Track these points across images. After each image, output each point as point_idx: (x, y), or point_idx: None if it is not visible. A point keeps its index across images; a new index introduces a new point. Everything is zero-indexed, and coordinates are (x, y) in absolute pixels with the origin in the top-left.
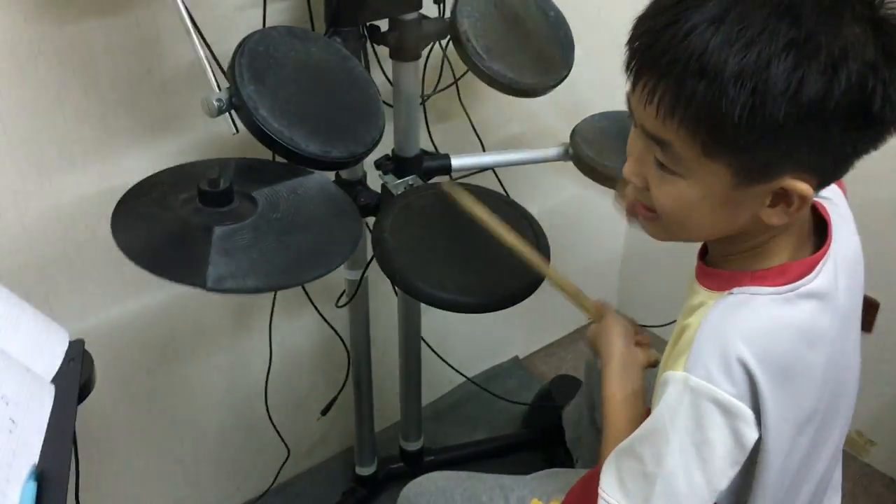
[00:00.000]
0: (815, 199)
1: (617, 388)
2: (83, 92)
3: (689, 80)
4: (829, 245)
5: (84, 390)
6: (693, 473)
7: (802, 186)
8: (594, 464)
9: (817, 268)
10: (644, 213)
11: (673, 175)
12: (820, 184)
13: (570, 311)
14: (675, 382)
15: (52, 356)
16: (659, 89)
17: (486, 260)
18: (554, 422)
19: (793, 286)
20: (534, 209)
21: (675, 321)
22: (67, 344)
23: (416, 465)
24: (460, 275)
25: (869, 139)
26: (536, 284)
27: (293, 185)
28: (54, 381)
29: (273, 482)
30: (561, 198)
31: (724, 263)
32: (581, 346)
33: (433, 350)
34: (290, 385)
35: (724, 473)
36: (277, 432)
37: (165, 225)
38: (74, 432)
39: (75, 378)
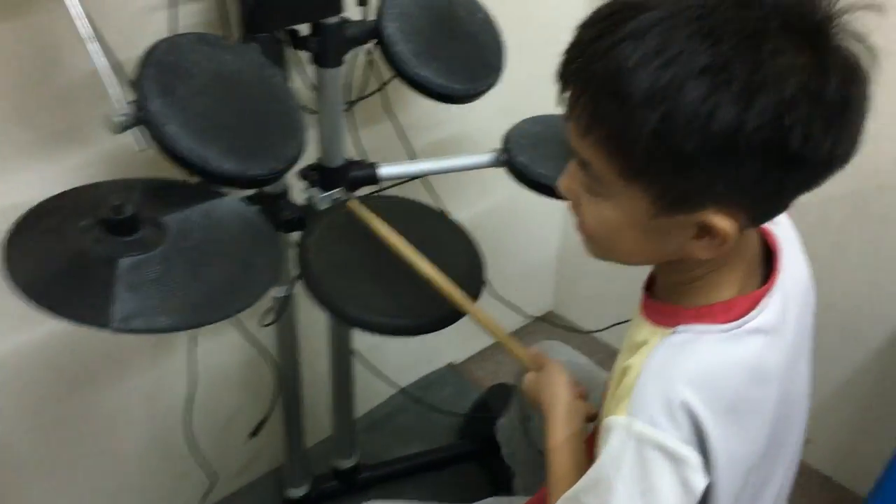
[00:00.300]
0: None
1: (562, 437)
2: None
3: (603, 99)
4: (775, 277)
5: None
6: None
7: (723, 223)
8: (532, 479)
9: (762, 301)
10: (579, 229)
11: (597, 196)
12: (752, 219)
13: (504, 315)
14: (619, 428)
15: None
16: (578, 105)
17: (415, 279)
18: (491, 432)
19: (739, 322)
20: (466, 213)
21: (614, 324)
22: None
23: (350, 482)
24: (392, 295)
25: (799, 180)
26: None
27: (206, 209)
28: None
29: None
30: (494, 200)
31: (669, 295)
32: None
33: (366, 362)
34: (215, 406)
35: None
36: (203, 456)
37: (63, 257)
38: None
39: None
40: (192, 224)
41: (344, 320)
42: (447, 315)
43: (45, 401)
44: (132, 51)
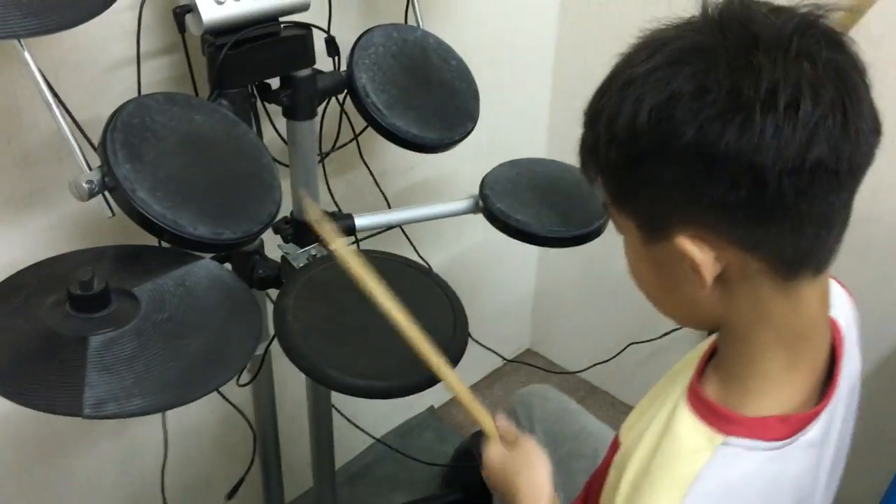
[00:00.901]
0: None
1: None
2: None
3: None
4: (835, 384)
5: None
6: None
7: (689, 248)
8: None
9: (823, 414)
10: None
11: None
12: (743, 248)
13: (483, 356)
14: None
15: None
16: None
17: (398, 337)
18: (476, 480)
19: (789, 441)
20: (441, 257)
21: (594, 364)
22: None
23: None
24: (372, 356)
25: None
26: (454, 362)
27: (180, 276)
28: None
29: None
30: (469, 243)
31: (717, 388)
32: (497, 390)
33: (343, 416)
34: (189, 468)
35: None
36: None
37: (31, 338)
38: None
39: None
40: (165, 293)
41: (324, 384)
42: (430, 377)
43: (10, 472)
44: (98, 109)
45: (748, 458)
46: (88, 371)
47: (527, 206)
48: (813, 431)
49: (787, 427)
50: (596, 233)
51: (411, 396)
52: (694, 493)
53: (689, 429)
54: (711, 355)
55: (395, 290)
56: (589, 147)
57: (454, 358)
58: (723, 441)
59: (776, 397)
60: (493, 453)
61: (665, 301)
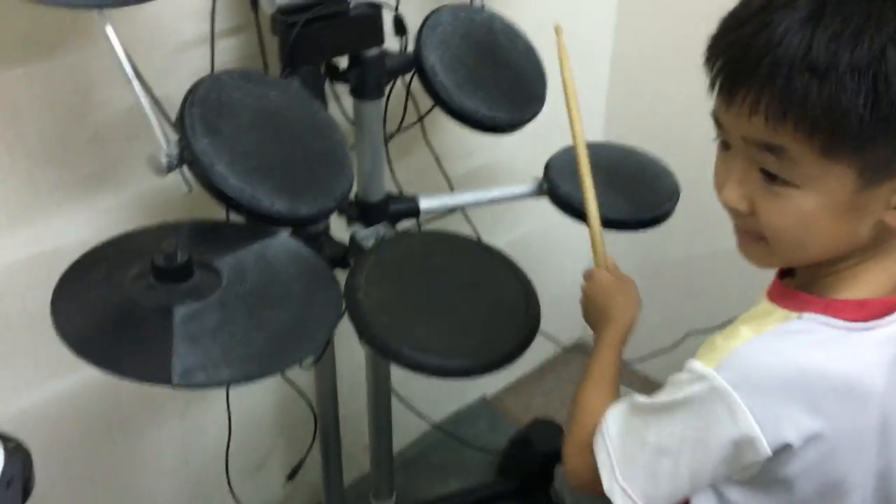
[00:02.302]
0: None
1: (618, 342)
2: (6, 148)
3: (798, 82)
4: None
5: (24, 495)
6: (681, 465)
7: None
8: None
9: None
10: (750, 238)
11: (786, 186)
12: None
13: (536, 345)
14: (702, 377)
15: None
16: (764, 97)
17: (471, 315)
18: (534, 469)
19: (868, 325)
20: (499, 242)
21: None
22: (2, 462)
23: None
24: (446, 334)
25: None
26: (529, 341)
27: (259, 250)
28: None
29: None
30: (526, 229)
31: (804, 286)
32: (550, 380)
33: (402, 400)
34: (249, 449)
35: (710, 475)
36: (239, 502)
37: (116, 309)
38: None
39: (16, 502)
40: (246, 266)
41: (398, 362)
42: (504, 355)
43: (78, 450)
44: (169, 88)
45: (822, 331)
46: (176, 341)
47: (594, 187)
48: (894, 326)
49: (864, 311)
50: (664, 216)
51: (463, 384)
52: (767, 335)
53: (769, 311)
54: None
55: (466, 268)
56: (823, 99)
57: (528, 337)
58: (797, 316)
59: (857, 288)
60: (602, 275)
61: (818, 244)
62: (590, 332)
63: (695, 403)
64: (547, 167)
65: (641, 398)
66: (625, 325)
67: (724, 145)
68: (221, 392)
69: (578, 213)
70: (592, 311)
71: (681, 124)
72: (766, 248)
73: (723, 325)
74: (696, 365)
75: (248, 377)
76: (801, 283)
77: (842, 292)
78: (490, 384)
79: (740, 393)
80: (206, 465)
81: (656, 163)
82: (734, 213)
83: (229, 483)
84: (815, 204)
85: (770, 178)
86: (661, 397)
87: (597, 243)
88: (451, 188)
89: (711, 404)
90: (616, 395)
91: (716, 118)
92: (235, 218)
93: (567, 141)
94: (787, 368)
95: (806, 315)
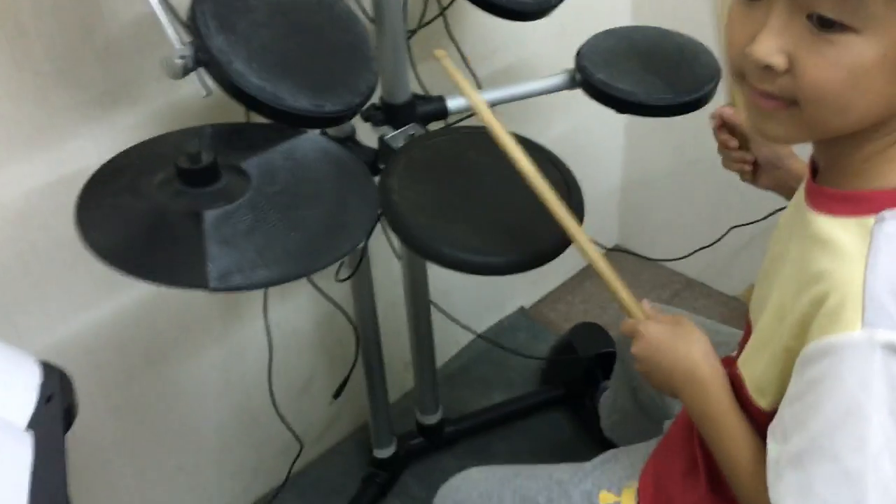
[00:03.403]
0: None
1: (728, 400)
2: (15, 66)
3: None
4: None
5: (67, 420)
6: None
7: None
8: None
9: None
10: (773, 105)
11: (843, 33)
12: None
13: (572, 252)
14: (853, 347)
15: (23, 395)
16: None
17: (511, 210)
18: (579, 374)
19: None
20: None
21: (696, 251)
22: (41, 377)
23: (436, 438)
24: (485, 232)
25: None
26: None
27: (287, 150)
28: (31, 425)
29: (286, 478)
30: (557, 130)
31: (848, 180)
32: (588, 287)
33: (442, 311)
34: (291, 370)
35: None
36: (285, 423)
37: (144, 216)
38: (66, 480)
39: (57, 419)
40: (274, 167)
41: (438, 262)
42: (545, 250)
43: (118, 379)
44: None
45: None
46: (208, 245)
47: (629, 74)
48: None
49: None
50: (705, 98)
51: (501, 296)
52: (877, 253)
53: (838, 230)
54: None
55: (501, 163)
56: None
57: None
58: (875, 219)
59: None
60: (653, 328)
61: (863, 107)
62: (626, 233)
63: (871, 378)
64: (578, 55)
65: (791, 449)
66: (713, 372)
67: None
68: (259, 314)
69: (616, 101)
70: (658, 375)
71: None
72: (794, 117)
73: (766, 218)
74: (831, 342)
75: (286, 277)
76: (838, 180)
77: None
78: (528, 294)
79: None
80: (249, 389)
81: (693, 42)
82: (761, 73)
83: (275, 405)
84: (875, 53)
85: (822, 24)
86: (821, 416)
87: (619, 292)
88: (479, 87)
89: (888, 364)
90: (754, 439)
91: None
92: (257, 120)
93: (590, 30)
94: None
95: (886, 214)
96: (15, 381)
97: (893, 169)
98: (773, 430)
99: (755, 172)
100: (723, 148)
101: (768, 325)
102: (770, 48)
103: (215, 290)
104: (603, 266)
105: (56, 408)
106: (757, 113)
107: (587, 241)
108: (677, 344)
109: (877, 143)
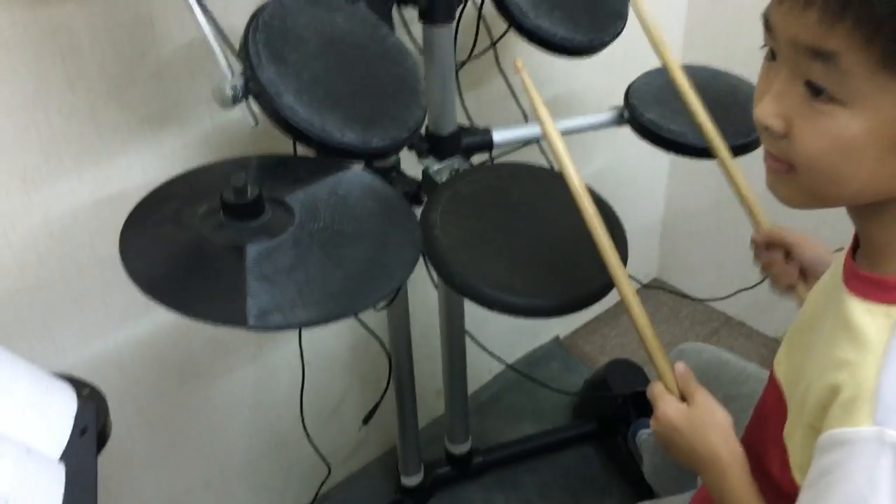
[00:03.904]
0: None
1: (749, 490)
2: (68, 85)
3: None
4: None
5: (100, 442)
6: None
7: None
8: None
9: None
10: (777, 167)
11: (831, 104)
12: None
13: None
14: (863, 443)
15: (58, 427)
16: None
17: (552, 251)
18: (612, 411)
19: None
20: None
21: (738, 291)
22: (76, 409)
23: (465, 468)
24: (527, 272)
25: None
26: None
27: (332, 184)
28: (63, 457)
29: (315, 499)
30: (599, 163)
31: (880, 262)
32: (625, 321)
33: (475, 340)
34: (322, 393)
35: None
36: (314, 446)
37: (186, 247)
38: None
39: (90, 452)
40: (318, 202)
41: (479, 302)
42: (587, 294)
43: (152, 395)
44: (233, 18)
45: None
46: (249, 281)
47: (679, 115)
48: None
49: None
50: (756, 142)
51: (536, 325)
52: (890, 367)
53: (866, 317)
54: (854, 254)
55: (545, 202)
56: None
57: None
58: None
59: None
60: (671, 408)
61: (857, 180)
62: (666, 266)
63: (878, 476)
64: (628, 93)
65: None
66: (732, 461)
67: (772, 55)
68: (294, 335)
69: (665, 141)
70: (677, 454)
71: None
72: (795, 181)
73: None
74: (842, 434)
75: (326, 318)
76: (877, 260)
77: None
78: (564, 325)
79: None
80: (280, 410)
81: (746, 84)
82: (766, 134)
83: (304, 426)
84: (861, 128)
85: (815, 92)
86: (829, 498)
87: (655, 357)
88: (526, 119)
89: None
90: None
91: (766, 18)
92: (303, 152)
93: (648, 66)
94: None
95: None
96: (51, 411)
97: None
98: None
99: (804, 281)
100: (767, 269)
101: (801, 402)
102: (770, 111)
103: (253, 328)
104: (644, 323)
105: (90, 440)
106: (768, 171)
107: (632, 294)
108: (695, 429)
109: (891, 240)
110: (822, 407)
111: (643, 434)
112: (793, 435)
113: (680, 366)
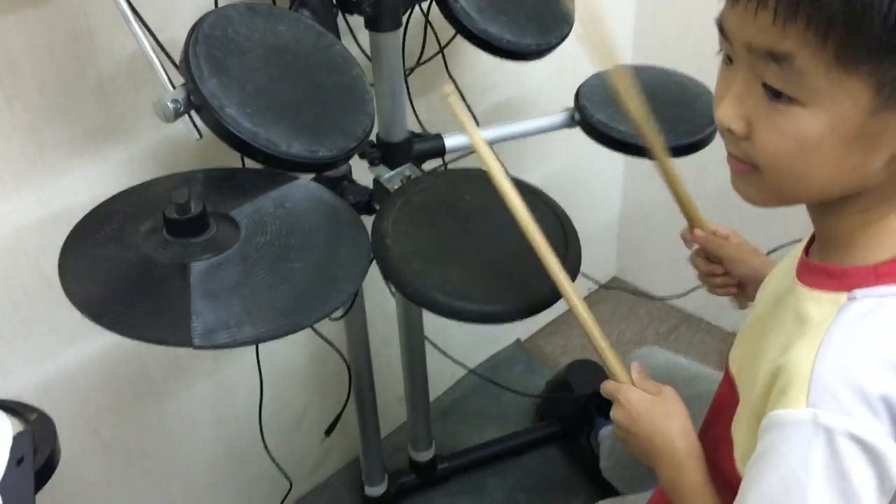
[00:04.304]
0: None
1: (702, 477)
2: (6, 102)
3: None
4: None
5: (46, 472)
6: None
7: None
8: (634, 488)
9: None
10: (741, 168)
11: (790, 104)
12: None
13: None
14: (798, 424)
15: None
16: None
17: (507, 256)
18: (575, 412)
19: None
20: (528, 179)
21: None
22: (11, 440)
23: (429, 475)
24: (481, 278)
25: None
26: (572, 278)
27: (278, 197)
28: (0, 489)
29: None
30: (554, 166)
31: (835, 252)
32: None
33: (435, 346)
34: (282, 406)
35: None
36: (274, 460)
37: (128, 267)
38: None
39: (27, 481)
40: (265, 216)
41: (433, 310)
42: (542, 298)
43: (106, 416)
44: (174, 30)
45: (885, 307)
46: (193, 299)
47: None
48: None
49: None
50: (706, 140)
51: (497, 329)
52: (824, 354)
53: (813, 304)
54: (807, 251)
55: (498, 207)
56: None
57: (570, 275)
58: (847, 297)
59: None
60: (635, 396)
61: (820, 177)
62: (624, 266)
63: (813, 458)
64: (577, 96)
65: None
66: (688, 448)
67: (728, 59)
68: (251, 350)
69: (614, 142)
70: (635, 444)
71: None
72: (760, 181)
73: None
74: (778, 416)
75: (274, 334)
76: (825, 251)
77: (880, 251)
78: (524, 327)
79: (853, 418)
80: (240, 425)
81: (694, 83)
82: (728, 136)
83: (264, 441)
84: (822, 126)
85: (773, 94)
86: (762, 489)
87: (605, 352)
88: (477, 124)
89: (831, 445)
90: None
91: (720, 24)
92: (252, 164)
93: (589, 70)
94: (887, 365)
95: (857, 293)
96: None
97: (878, 244)
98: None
99: (742, 291)
100: (705, 277)
101: (748, 393)
102: (729, 114)
103: (199, 347)
104: (591, 326)
105: (26, 470)
106: (732, 172)
107: (577, 298)
108: (655, 417)
109: (859, 216)
110: (766, 393)
111: (604, 432)
112: (738, 426)
113: (635, 367)
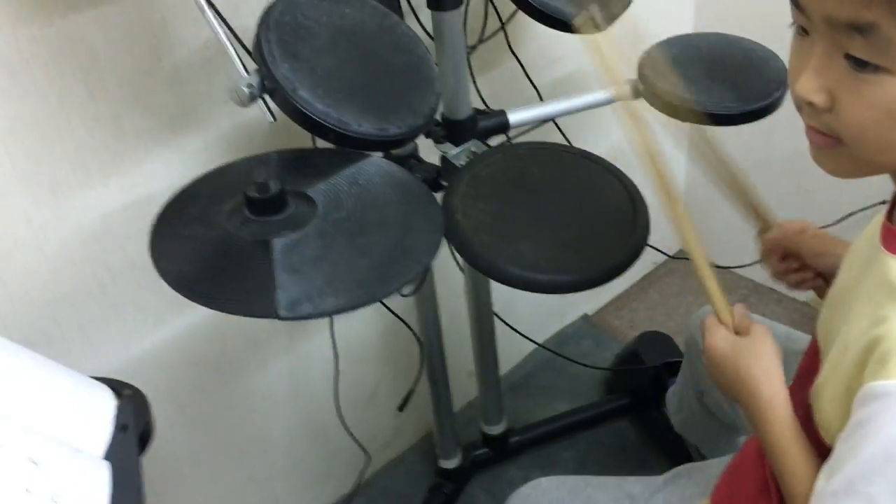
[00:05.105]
0: None
1: (793, 429)
2: (89, 95)
3: None
4: None
5: (143, 442)
6: None
7: None
8: (712, 447)
9: None
10: (822, 141)
11: (877, 73)
12: None
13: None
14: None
15: (99, 426)
16: None
17: (575, 227)
18: (645, 384)
19: None
20: (594, 152)
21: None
22: (115, 408)
23: (501, 448)
24: (551, 249)
25: None
26: (638, 251)
27: (352, 175)
28: (107, 456)
29: (356, 487)
30: (616, 138)
31: None
32: (653, 294)
33: (504, 322)
34: (357, 382)
35: None
36: (352, 435)
37: (214, 245)
38: None
39: (132, 449)
40: (339, 193)
41: (503, 281)
42: (611, 266)
43: (192, 394)
44: (244, 18)
45: None
46: (277, 273)
47: (694, 83)
48: None
49: None
50: (774, 105)
51: (564, 304)
52: None
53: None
54: (890, 216)
55: (566, 179)
56: None
57: (639, 245)
58: None
59: None
60: (718, 337)
61: None
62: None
63: None
64: (641, 66)
65: (836, 484)
66: (778, 395)
67: (803, 31)
68: (325, 327)
69: (678, 111)
70: (723, 383)
71: (778, 10)
72: (844, 153)
73: (838, 223)
74: (879, 387)
75: (354, 305)
76: None
77: None
78: (591, 301)
79: None
80: (317, 400)
81: (761, 48)
82: (808, 109)
83: (340, 415)
84: None
85: (858, 64)
86: (863, 455)
87: (713, 294)
88: (541, 99)
89: None
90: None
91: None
92: (322, 145)
93: (659, 37)
94: None
95: None
96: (91, 412)
97: None
98: (824, 466)
99: (828, 282)
100: (781, 276)
101: (836, 361)
102: (810, 86)
103: (285, 318)
104: (701, 259)
105: (131, 437)
106: (812, 146)
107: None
108: (740, 358)
109: None
110: (860, 363)
111: (670, 391)
112: (822, 393)
113: (739, 305)
